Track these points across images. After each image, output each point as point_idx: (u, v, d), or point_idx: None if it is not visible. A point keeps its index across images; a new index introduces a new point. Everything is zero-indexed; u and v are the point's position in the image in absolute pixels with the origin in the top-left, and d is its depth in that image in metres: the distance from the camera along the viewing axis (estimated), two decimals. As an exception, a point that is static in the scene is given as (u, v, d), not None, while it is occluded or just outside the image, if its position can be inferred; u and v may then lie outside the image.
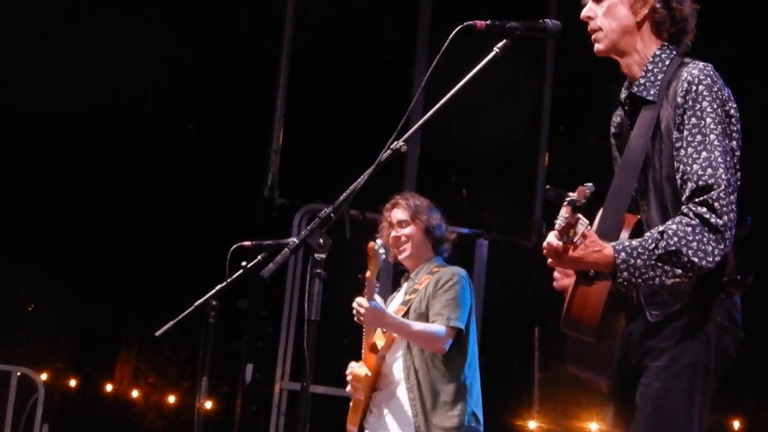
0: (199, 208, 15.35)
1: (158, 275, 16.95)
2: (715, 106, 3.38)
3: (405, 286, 5.62)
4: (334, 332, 7.40)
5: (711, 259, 3.29)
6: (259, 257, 5.23)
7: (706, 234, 3.29)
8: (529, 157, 9.97)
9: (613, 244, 3.37)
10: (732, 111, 3.42)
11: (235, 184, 13.30)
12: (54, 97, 12.11)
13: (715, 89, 3.41)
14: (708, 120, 3.37)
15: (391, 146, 3.68)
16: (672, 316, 3.43)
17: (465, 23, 3.72)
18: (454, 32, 3.68)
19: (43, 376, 11.99)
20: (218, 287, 5.24)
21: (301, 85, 9.47)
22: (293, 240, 3.64)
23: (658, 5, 3.62)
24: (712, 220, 3.30)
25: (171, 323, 5.41)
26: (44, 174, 14.38)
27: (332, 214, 3.64)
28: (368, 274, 5.14)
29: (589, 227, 3.33)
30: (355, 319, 5.23)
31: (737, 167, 3.41)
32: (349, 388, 5.50)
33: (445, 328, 5.29)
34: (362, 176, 3.68)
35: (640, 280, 3.34)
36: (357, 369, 5.39)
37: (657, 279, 3.33)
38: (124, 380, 20.09)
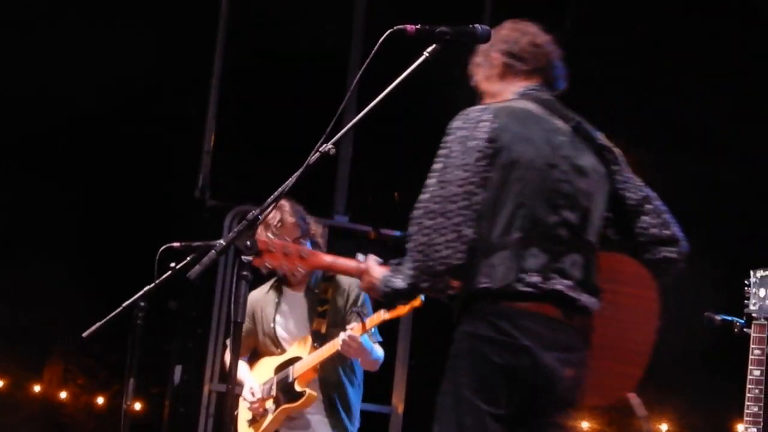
0: (128, 209, 15.21)
1: (87, 275, 16.78)
2: (450, 146, 3.73)
3: (304, 296, 5.62)
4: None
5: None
6: (188, 258, 5.19)
7: None
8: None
9: None
10: (474, 143, 3.68)
11: (165, 185, 13.20)
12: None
13: (455, 130, 3.75)
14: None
15: (320, 149, 3.68)
16: None
17: (395, 27, 3.72)
18: (383, 36, 3.69)
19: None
20: (146, 288, 5.20)
21: (233, 86, 9.43)
22: (221, 242, 3.62)
23: (504, 59, 4.02)
24: None
25: (98, 324, 5.36)
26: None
27: (260, 216, 3.63)
28: (388, 316, 5.21)
29: None
30: (341, 348, 5.25)
31: (468, 190, 3.65)
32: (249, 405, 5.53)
33: (378, 346, 5.39)
34: (291, 178, 3.67)
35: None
36: (310, 392, 5.38)
37: None
38: (52, 381, 19.87)
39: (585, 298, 3.69)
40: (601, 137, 3.97)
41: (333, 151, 3.68)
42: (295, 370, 5.45)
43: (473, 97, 4.13)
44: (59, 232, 16.34)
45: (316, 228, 5.63)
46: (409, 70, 3.74)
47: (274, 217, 5.50)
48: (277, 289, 5.72)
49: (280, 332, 5.64)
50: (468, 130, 3.72)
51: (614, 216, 3.92)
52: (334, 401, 5.44)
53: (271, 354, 5.66)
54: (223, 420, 3.69)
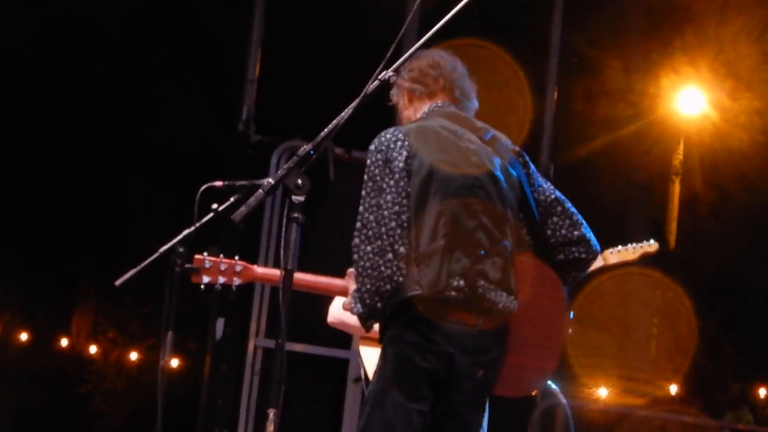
0: (166, 145, 15.28)
1: (120, 218, 16.92)
2: (372, 170, 4.34)
3: None
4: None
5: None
6: (232, 199, 5.19)
7: None
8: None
9: None
10: (392, 164, 4.33)
11: (206, 117, 13.26)
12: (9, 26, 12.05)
13: (373, 155, 4.36)
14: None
15: (379, 76, 3.67)
16: None
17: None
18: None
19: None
20: (185, 232, 5.20)
21: (280, 7, 9.39)
22: (269, 180, 3.62)
23: (408, 84, 4.64)
24: None
25: (133, 272, 5.37)
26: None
27: (313, 152, 3.63)
28: None
29: None
30: None
31: (396, 210, 4.29)
32: None
33: None
34: (347, 110, 3.67)
35: None
36: None
37: None
38: (81, 335, 20.09)
39: (504, 299, 4.41)
40: (511, 144, 4.61)
41: (394, 78, 3.68)
42: None
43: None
44: (90, 169, 16.48)
45: None
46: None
47: None
48: None
49: None
50: (384, 153, 4.35)
51: (526, 219, 4.57)
52: None
53: None
54: (272, 378, 3.71)
